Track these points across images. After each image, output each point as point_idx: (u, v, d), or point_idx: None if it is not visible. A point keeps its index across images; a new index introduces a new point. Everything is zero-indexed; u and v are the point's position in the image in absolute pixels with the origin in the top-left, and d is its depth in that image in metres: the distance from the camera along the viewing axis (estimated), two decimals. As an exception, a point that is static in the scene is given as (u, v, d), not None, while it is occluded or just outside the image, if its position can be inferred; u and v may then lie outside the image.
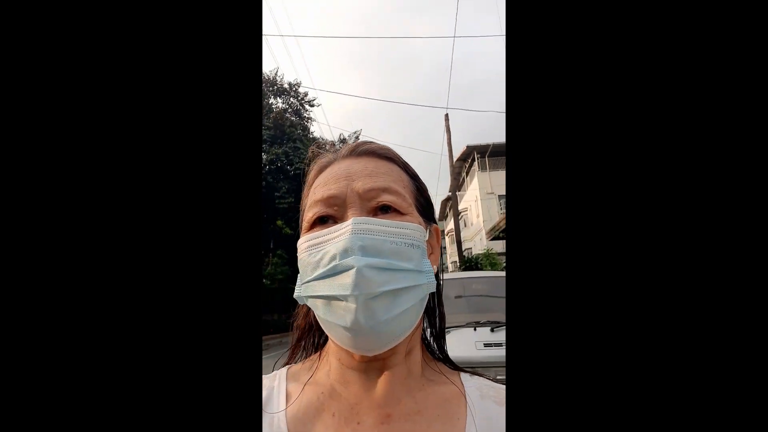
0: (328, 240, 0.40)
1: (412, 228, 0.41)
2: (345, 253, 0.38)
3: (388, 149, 0.47)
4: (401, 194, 0.42)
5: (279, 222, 13.26)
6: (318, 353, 0.48)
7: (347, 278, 0.37)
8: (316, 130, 16.80)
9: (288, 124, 14.33)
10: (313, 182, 0.46)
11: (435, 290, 0.43)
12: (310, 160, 0.49)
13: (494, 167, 19.89)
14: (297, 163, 13.64)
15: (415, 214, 0.43)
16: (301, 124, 15.74)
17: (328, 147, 0.49)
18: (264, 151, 14.02)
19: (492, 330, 2.52)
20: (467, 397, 0.43)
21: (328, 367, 0.45)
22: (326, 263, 0.39)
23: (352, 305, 0.37)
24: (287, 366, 0.48)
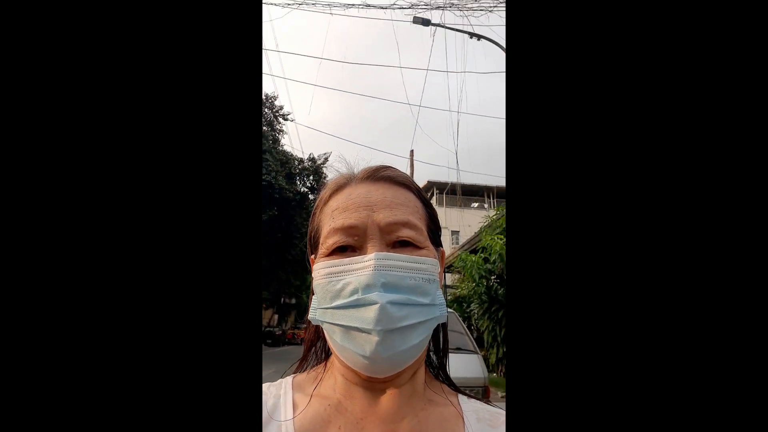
0: (350, 271, 0.41)
1: (429, 263, 0.43)
2: (368, 288, 0.40)
3: (406, 176, 0.49)
4: (419, 228, 0.44)
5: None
6: (323, 364, 0.49)
7: (370, 312, 0.39)
8: (286, 143, 16.95)
9: (264, 139, 14.48)
10: (328, 201, 0.47)
11: (445, 321, 0.46)
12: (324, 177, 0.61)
13: (450, 204, 21.11)
14: (264, 174, 13.73)
15: (430, 246, 0.45)
16: (272, 135, 15.90)
17: (342, 166, 0.50)
18: None
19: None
20: (465, 418, 0.45)
21: (333, 380, 0.46)
22: (347, 295, 0.40)
23: (373, 338, 0.39)
24: (292, 375, 0.50)
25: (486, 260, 7.40)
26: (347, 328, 0.40)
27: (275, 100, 16.29)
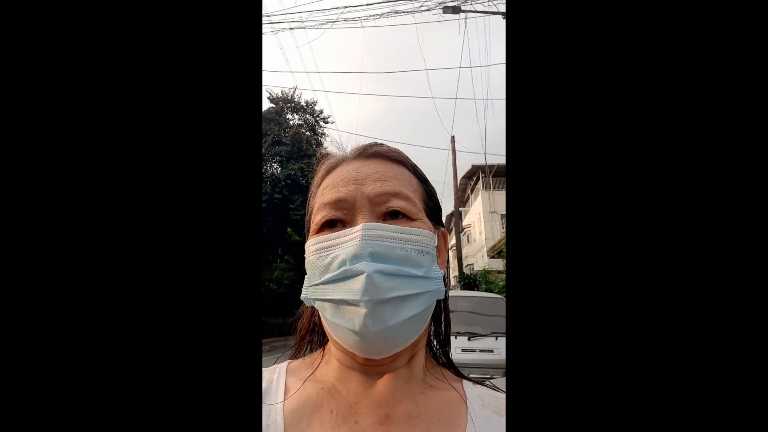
0: (338, 244, 0.40)
1: (422, 234, 0.41)
2: (355, 258, 0.38)
3: (398, 152, 0.47)
4: (411, 199, 0.43)
5: (289, 230, 14.10)
6: (320, 350, 0.48)
7: (357, 283, 0.38)
8: (329, 145, 17.75)
9: (305, 140, 15.29)
10: (321, 183, 0.46)
11: (443, 296, 0.44)
12: (317, 161, 0.49)
13: (497, 187, 20.66)
14: (311, 178, 14.48)
15: (425, 219, 0.44)
16: (315, 139, 16.69)
17: (334, 148, 0.49)
18: (282, 167, 14.92)
19: (469, 339, 3.42)
20: (468, 404, 0.43)
21: (329, 366, 0.46)
22: (336, 267, 0.40)
23: (361, 310, 0.38)
24: (287, 361, 0.49)
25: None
26: (336, 303, 0.40)
27: (315, 105, 17.00)
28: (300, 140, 15.07)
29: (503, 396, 0.44)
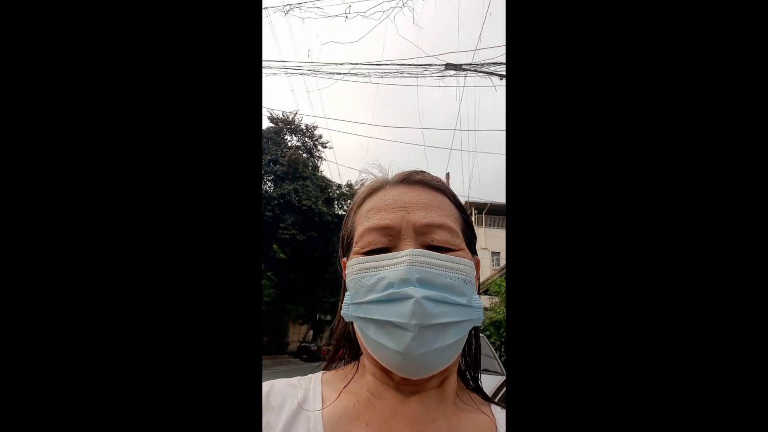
0: (384, 266, 0.41)
1: (465, 263, 0.42)
2: (403, 282, 0.39)
3: (441, 181, 0.48)
4: (454, 230, 0.44)
5: (275, 246, 13.93)
6: (353, 364, 0.49)
7: (405, 307, 0.38)
8: (325, 169, 17.85)
9: (301, 162, 15.40)
10: (363, 203, 0.47)
11: (480, 324, 0.45)
12: (358, 182, 0.51)
13: (489, 225, 20.79)
14: (305, 200, 14.52)
15: (466, 249, 0.44)
16: (312, 162, 16.82)
17: (377, 171, 0.50)
18: (276, 186, 14.93)
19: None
20: (498, 427, 0.44)
21: (363, 380, 0.46)
22: (382, 289, 0.40)
23: (408, 333, 0.38)
24: (321, 372, 0.50)
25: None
26: (381, 323, 0.40)
27: (315, 129, 17.27)
28: (297, 161, 15.19)
29: None
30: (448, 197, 0.47)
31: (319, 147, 17.49)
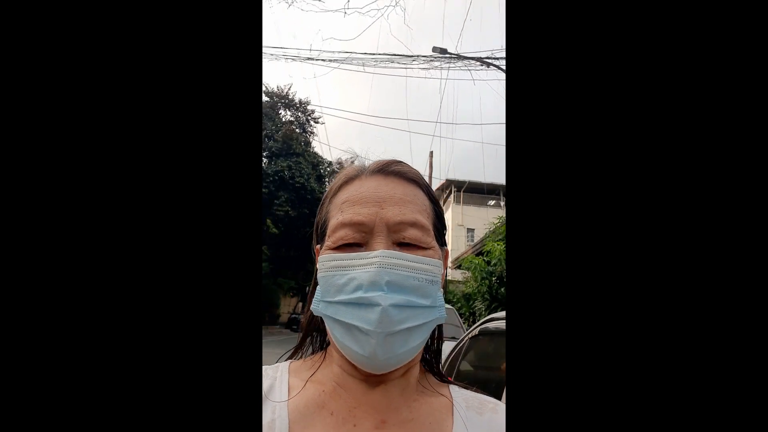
0: (355, 266, 0.42)
1: (433, 264, 0.43)
2: (372, 285, 0.40)
3: (417, 173, 0.49)
4: (426, 228, 0.45)
5: (268, 221, 14.80)
6: (320, 353, 0.50)
7: (372, 314, 0.40)
8: (316, 146, 18.50)
9: (295, 138, 16.02)
10: (338, 191, 0.47)
11: (443, 322, 0.46)
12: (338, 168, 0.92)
13: (467, 202, 22.16)
14: (297, 177, 15.29)
15: (436, 247, 0.45)
16: (304, 137, 17.42)
17: (353, 160, 0.50)
18: (272, 162, 15.57)
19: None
20: (455, 406, 0.47)
21: (329, 370, 0.47)
22: (351, 290, 0.41)
23: (372, 339, 0.40)
24: (289, 361, 0.51)
25: (488, 263, 8.73)
26: (348, 326, 0.41)
27: (308, 104, 17.71)
28: (290, 137, 15.79)
29: (483, 396, 0.50)
30: (423, 190, 0.48)
31: (312, 122, 18.00)
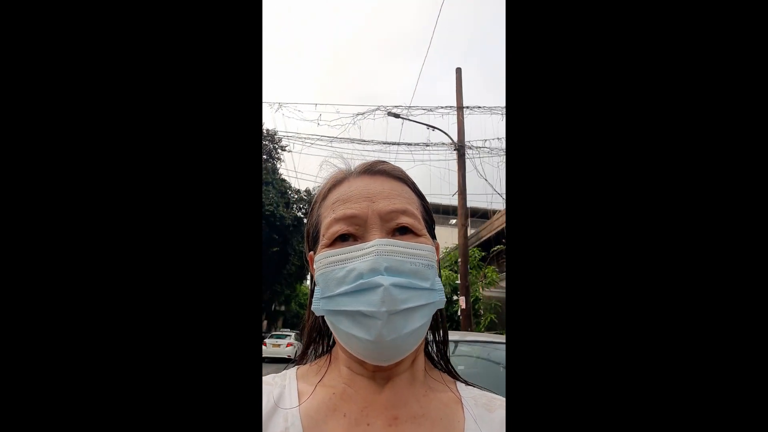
0: (353, 258, 0.43)
1: (427, 249, 0.45)
2: (372, 272, 0.41)
3: (402, 171, 0.50)
4: (416, 216, 0.46)
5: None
6: (326, 357, 0.51)
7: (375, 295, 0.41)
8: (283, 172, 19.22)
9: (268, 170, 16.63)
10: (328, 195, 0.49)
11: (443, 306, 0.47)
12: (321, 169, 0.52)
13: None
14: (267, 205, 15.87)
15: (427, 235, 0.47)
16: (272, 164, 18.02)
17: (339, 162, 0.52)
18: None
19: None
20: (464, 403, 0.47)
21: (337, 372, 0.48)
22: (352, 280, 0.42)
23: (378, 320, 0.41)
24: (296, 367, 0.52)
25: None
26: (352, 314, 0.42)
27: (276, 134, 18.41)
28: (263, 170, 16.35)
29: (491, 394, 0.50)
30: (409, 186, 0.50)
31: (279, 150, 18.65)
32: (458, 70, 9.32)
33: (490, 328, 9.73)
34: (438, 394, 0.48)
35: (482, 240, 12.74)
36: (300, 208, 18.27)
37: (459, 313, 7.76)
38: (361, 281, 0.42)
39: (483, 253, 10.95)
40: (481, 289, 10.21)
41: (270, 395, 0.46)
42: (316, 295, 0.46)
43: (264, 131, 18.03)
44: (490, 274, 10.36)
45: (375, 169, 0.49)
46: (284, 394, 0.47)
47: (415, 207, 0.48)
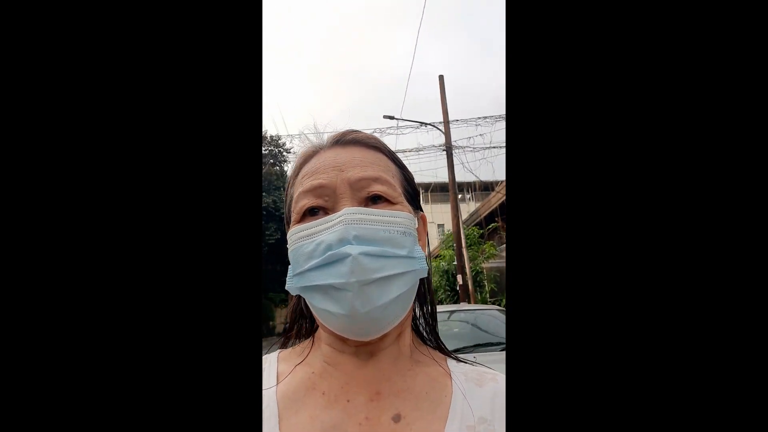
0: (321, 230, 0.41)
1: (403, 216, 0.42)
2: (340, 242, 0.39)
3: (376, 138, 0.48)
4: (391, 184, 0.44)
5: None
6: (309, 339, 0.50)
7: (344, 266, 0.39)
8: (289, 170, 20.57)
9: (274, 174, 17.91)
10: (299, 171, 0.47)
11: (426, 276, 0.45)
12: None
13: (434, 201, 24.45)
14: (282, 209, 17.21)
15: (405, 203, 0.45)
16: (279, 168, 19.28)
17: (313, 137, 0.49)
18: None
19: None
20: (453, 378, 0.46)
21: (319, 351, 0.47)
22: (321, 253, 0.40)
23: (348, 292, 0.39)
24: (278, 350, 0.51)
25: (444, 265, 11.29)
26: (324, 288, 0.40)
27: (279, 139, 19.54)
28: (270, 174, 17.64)
29: (483, 369, 0.48)
30: (385, 154, 0.48)
31: (284, 153, 19.83)
32: (441, 78, 10.06)
33: (493, 294, 11.05)
34: (425, 369, 0.47)
35: (481, 218, 13.90)
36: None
37: (458, 288, 9.11)
38: (329, 253, 0.40)
39: (481, 231, 12.12)
40: (482, 264, 11.46)
41: None
42: (288, 273, 0.45)
43: (268, 136, 19.20)
44: (488, 249, 11.58)
45: (346, 139, 0.47)
46: (263, 377, 0.46)
47: (390, 175, 0.46)
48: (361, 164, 0.44)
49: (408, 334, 0.48)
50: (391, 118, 10.64)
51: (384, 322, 0.42)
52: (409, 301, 0.44)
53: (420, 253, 0.44)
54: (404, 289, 0.42)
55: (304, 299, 0.45)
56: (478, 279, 11.19)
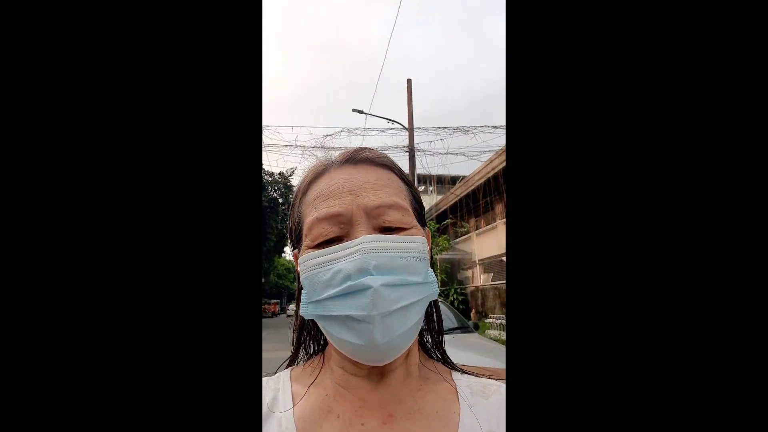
0: (338, 258, 0.40)
1: (418, 241, 0.43)
2: (360, 272, 0.39)
3: (386, 157, 0.48)
4: (405, 209, 0.44)
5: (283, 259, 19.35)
6: (319, 356, 0.50)
7: (365, 298, 0.39)
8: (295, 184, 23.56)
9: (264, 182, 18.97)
10: (308, 189, 0.47)
11: (436, 297, 0.46)
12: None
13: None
14: (283, 209, 18.80)
15: (417, 226, 0.45)
16: (279, 189, 20.91)
17: (320, 152, 0.49)
18: (268, 221, 19.08)
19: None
20: (459, 392, 0.46)
21: (330, 371, 0.47)
22: (339, 282, 0.40)
23: (369, 324, 0.39)
24: (290, 368, 0.51)
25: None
26: (342, 318, 0.40)
27: (290, 174, 20.62)
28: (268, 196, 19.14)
29: (486, 381, 0.49)
30: (395, 173, 0.48)
31: (287, 177, 22.46)
32: (409, 81, 10.05)
33: (444, 284, 13.36)
34: (433, 387, 0.47)
35: (439, 212, 16.04)
36: (275, 190, 19.26)
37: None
38: (349, 283, 0.40)
39: (437, 225, 14.39)
40: (436, 255, 13.86)
41: (264, 400, 0.45)
42: (303, 298, 0.45)
43: (275, 175, 21.06)
44: (442, 243, 13.97)
45: (358, 158, 0.47)
46: (278, 398, 0.46)
47: (402, 197, 0.46)
48: (374, 188, 0.44)
49: (415, 351, 0.48)
50: (360, 112, 11.21)
51: (400, 348, 0.42)
52: (421, 323, 0.45)
53: (432, 276, 0.45)
54: (420, 315, 0.43)
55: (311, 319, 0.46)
56: (432, 268, 13.76)
